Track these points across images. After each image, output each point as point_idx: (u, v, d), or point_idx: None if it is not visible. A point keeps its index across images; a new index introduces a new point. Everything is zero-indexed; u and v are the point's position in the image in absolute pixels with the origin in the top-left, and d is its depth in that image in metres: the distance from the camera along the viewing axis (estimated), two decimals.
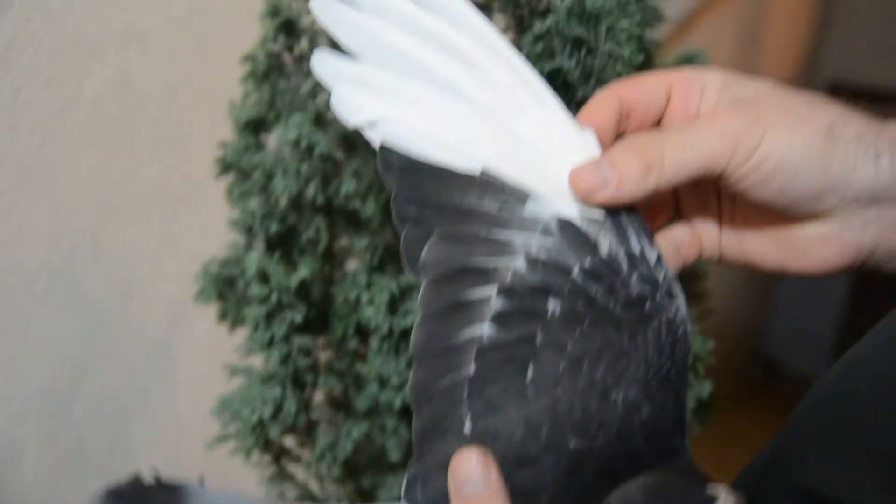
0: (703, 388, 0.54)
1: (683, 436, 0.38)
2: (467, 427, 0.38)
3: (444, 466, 0.36)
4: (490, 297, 0.39)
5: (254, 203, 0.51)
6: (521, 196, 0.39)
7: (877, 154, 0.39)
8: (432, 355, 0.39)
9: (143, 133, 0.78)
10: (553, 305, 0.38)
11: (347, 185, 0.49)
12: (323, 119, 0.54)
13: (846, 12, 3.23)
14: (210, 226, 0.87)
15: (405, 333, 0.47)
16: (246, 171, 0.53)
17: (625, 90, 0.42)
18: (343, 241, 0.53)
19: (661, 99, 0.43)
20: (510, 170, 0.39)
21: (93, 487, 0.83)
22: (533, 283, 0.39)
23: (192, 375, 0.90)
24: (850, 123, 0.40)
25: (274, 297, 0.46)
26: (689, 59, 0.60)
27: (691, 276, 0.70)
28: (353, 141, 0.57)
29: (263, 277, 0.46)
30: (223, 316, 0.55)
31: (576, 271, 0.39)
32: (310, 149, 0.48)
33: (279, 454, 0.54)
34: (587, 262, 0.39)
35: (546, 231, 0.39)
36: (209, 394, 0.89)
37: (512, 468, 0.37)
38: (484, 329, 0.38)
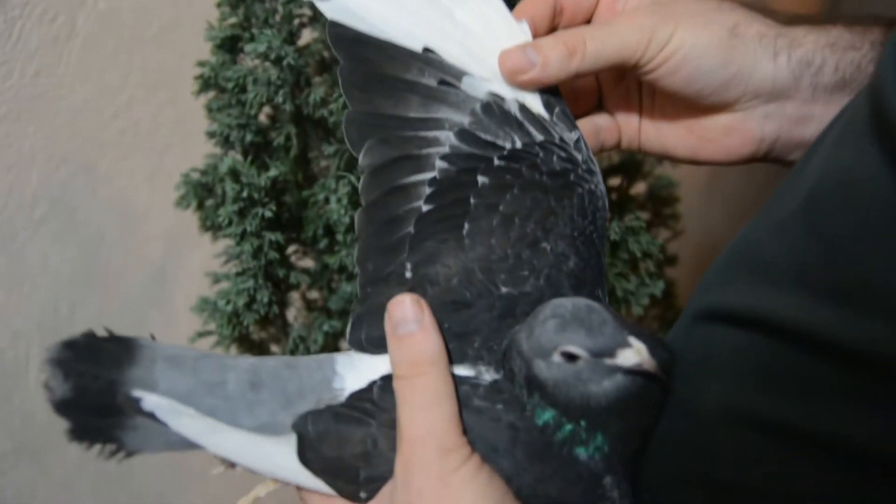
0: (656, 287, 0.58)
1: (605, 291, 0.42)
2: (408, 274, 0.42)
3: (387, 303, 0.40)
4: (424, 180, 0.43)
5: (230, 114, 0.55)
6: (457, 73, 0.43)
7: (775, 53, 0.44)
8: (375, 229, 0.43)
9: (135, 69, 0.81)
10: (482, 179, 0.43)
11: (316, 93, 0.53)
12: (295, 39, 0.57)
13: None
14: (202, 160, 0.91)
15: None
16: (223, 88, 0.57)
17: None
18: (314, 151, 0.57)
19: None
20: (450, 51, 0.44)
21: None
22: (459, 168, 0.43)
23: (188, 304, 0.94)
24: (753, 24, 0.45)
25: (245, 193, 0.50)
26: None
27: (663, 201, 0.73)
28: (327, 64, 0.61)
29: (235, 177, 0.50)
30: (203, 224, 0.59)
31: (496, 158, 0.43)
32: (279, 60, 0.52)
33: (256, 349, 0.58)
34: (507, 149, 0.43)
35: (473, 114, 0.43)
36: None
37: (449, 312, 0.41)
38: (420, 204, 0.43)
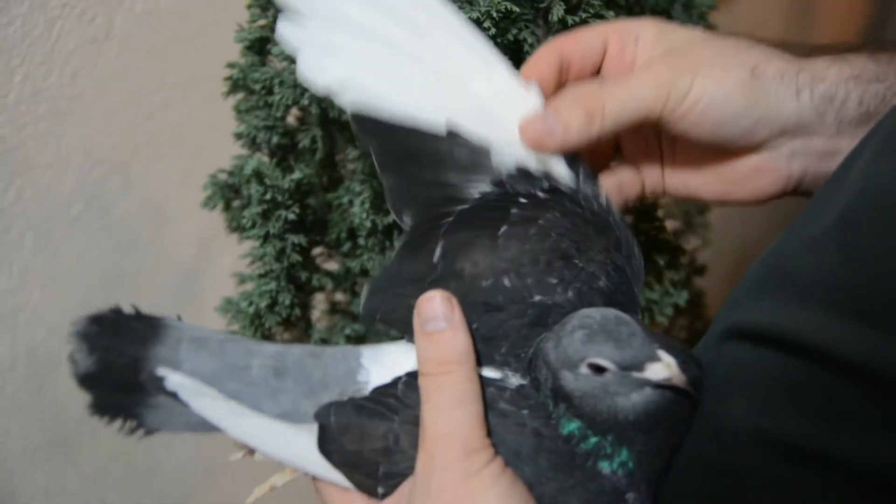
0: (680, 297, 0.57)
1: (638, 315, 0.41)
2: (437, 253, 0.42)
3: (410, 280, 0.40)
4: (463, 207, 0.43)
5: (257, 116, 0.55)
6: (484, 150, 0.43)
7: (798, 90, 0.43)
8: (412, 250, 0.43)
9: (170, 71, 0.82)
10: (523, 199, 0.43)
11: None
12: None
13: None
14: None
15: (389, 230, 0.51)
16: (251, 89, 0.57)
17: (564, 44, 0.46)
18: (342, 154, 0.57)
19: (597, 50, 0.47)
20: (470, 125, 0.43)
21: None
22: (499, 195, 0.43)
23: (217, 305, 0.95)
24: (772, 63, 0.43)
25: (269, 196, 0.50)
26: None
27: (693, 209, 0.72)
28: None
29: (259, 178, 0.50)
30: (230, 226, 0.59)
31: (539, 191, 0.43)
32: None
33: None
34: (547, 186, 0.43)
35: (507, 177, 0.43)
36: None
37: (480, 313, 0.40)
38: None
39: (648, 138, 0.49)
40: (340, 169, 0.57)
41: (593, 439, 0.37)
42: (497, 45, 0.49)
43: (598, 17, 0.50)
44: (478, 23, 0.48)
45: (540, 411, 0.38)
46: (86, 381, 0.41)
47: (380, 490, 0.40)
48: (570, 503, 0.37)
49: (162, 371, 0.41)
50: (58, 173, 0.76)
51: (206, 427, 0.42)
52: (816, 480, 0.33)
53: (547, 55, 0.45)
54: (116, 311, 0.42)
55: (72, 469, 0.82)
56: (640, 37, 0.46)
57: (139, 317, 0.42)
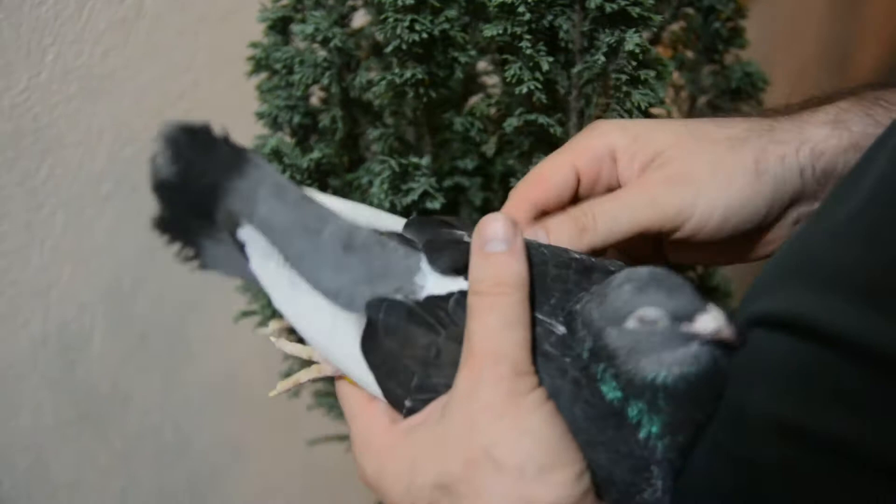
0: (708, 284, 0.55)
1: None
2: None
3: None
4: None
5: (278, 96, 0.55)
6: None
7: (801, 169, 0.43)
8: None
9: (200, 50, 0.83)
10: None
11: (361, 76, 0.52)
12: (346, 21, 0.57)
13: None
14: None
15: (408, 211, 0.50)
16: (274, 69, 0.57)
17: (533, 192, 0.44)
18: (361, 134, 0.56)
19: (570, 183, 0.45)
20: None
21: (156, 380, 0.89)
22: None
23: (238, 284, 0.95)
24: (769, 152, 0.43)
25: (287, 175, 0.50)
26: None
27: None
28: (381, 47, 0.60)
29: (279, 157, 0.50)
30: None
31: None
32: (326, 41, 0.52)
33: None
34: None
35: None
36: None
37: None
38: None
39: (647, 237, 0.47)
40: (362, 150, 0.57)
41: (626, 403, 0.37)
42: (531, 31, 0.48)
43: (637, 4, 0.47)
44: (512, 8, 0.47)
45: (581, 363, 0.37)
46: (162, 189, 0.40)
47: (407, 403, 0.39)
48: (598, 458, 0.36)
49: (240, 217, 0.40)
50: (89, 152, 0.77)
51: (256, 283, 0.41)
52: (830, 467, 0.32)
53: (519, 208, 0.44)
54: (207, 129, 0.40)
55: (102, 445, 0.84)
56: (617, 153, 0.44)
57: (228, 143, 0.40)
